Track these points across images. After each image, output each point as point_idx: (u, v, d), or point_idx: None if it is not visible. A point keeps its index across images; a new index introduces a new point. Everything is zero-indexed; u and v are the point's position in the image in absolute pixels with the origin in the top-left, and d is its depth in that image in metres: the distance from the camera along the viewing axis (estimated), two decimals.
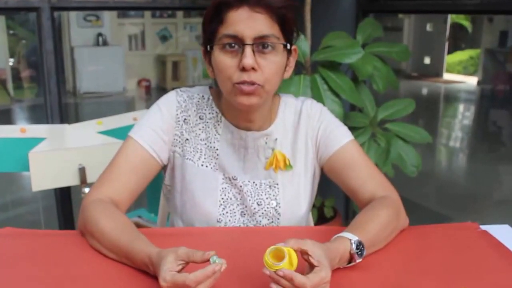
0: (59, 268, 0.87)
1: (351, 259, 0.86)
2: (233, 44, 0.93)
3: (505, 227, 1.07)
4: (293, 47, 1.00)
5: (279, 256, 0.75)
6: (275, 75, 0.96)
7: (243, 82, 0.93)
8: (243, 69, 0.92)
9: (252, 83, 0.93)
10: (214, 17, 0.94)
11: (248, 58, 0.91)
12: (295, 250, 0.77)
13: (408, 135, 1.97)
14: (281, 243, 0.77)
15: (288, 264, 0.75)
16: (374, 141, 1.95)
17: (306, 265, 0.79)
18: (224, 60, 0.94)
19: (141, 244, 0.85)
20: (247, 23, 0.91)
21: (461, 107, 7.54)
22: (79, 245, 0.96)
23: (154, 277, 0.81)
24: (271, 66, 0.94)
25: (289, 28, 0.98)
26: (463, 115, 6.94)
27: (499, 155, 4.85)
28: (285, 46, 0.96)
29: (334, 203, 2.28)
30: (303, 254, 0.78)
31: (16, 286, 0.81)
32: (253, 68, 0.92)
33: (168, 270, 0.75)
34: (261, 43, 0.93)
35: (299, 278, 0.73)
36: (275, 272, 0.74)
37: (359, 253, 0.85)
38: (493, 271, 0.88)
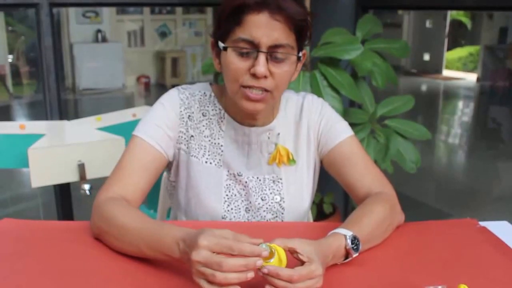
0: (58, 259, 0.87)
1: (347, 254, 0.86)
2: (248, 50, 0.92)
3: (504, 223, 1.07)
4: (302, 52, 1.00)
5: (269, 256, 0.74)
6: (284, 83, 0.97)
7: (252, 87, 0.94)
8: (254, 75, 0.92)
9: (261, 89, 0.94)
10: (232, 16, 0.93)
11: (261, 67, 0.91)
12: (283, 249, 0.76)
13: (407, 132, 1.97)
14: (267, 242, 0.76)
15: (277, 261, 0.74)
16: (373, 137, 1.95)
17: (298, 263, 0.78)
18: (236, 62, 0.94)
19: (167, 230, 0.82)
20: (265, 29, 0.91)
21: (460, 104, 7.54)
22: (78, 236, 0.96)
23: (156, 272, 0.82)
24: (282, 74, 0.95)
25: (304, 37, 0.97)
26: (463, 112, 6.95)
27: (498, 151, 4.85)
28: (298, 57, 0.97)
29: (333, 199, 2.29)
30: (292, 253, 0.78)
31: (15, 277, 0.81)
32: (264, 76, 0.93)
33: (207, 245, 0.71)
34: (275, 53, 0.92)
35: (284, 271, 0.72)
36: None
37: (355, 247, 0.85)
38: (492, 267, 0.88)
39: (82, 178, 1.72)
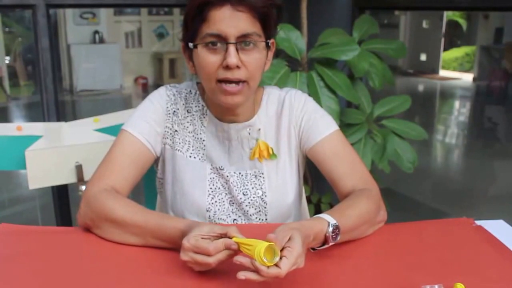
0: (56, 265, 0.87)
1: (325, 241, 0.87)
2: (216, 43, 0.94)
3: (500, 222, 1.08)
4: (271, 41, 1.02)
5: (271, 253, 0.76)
6: (258, 70, 0.99)
7: (227, 79, 0.95)
8: (227, 67, 0.94)
9: (237, 80, 0.95)
10: (197, 15, 0.95)
11: (233, 57, 0.93)
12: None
13: (404, 132, 1.98)
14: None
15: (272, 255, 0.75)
16: (370, 138, 1.96)
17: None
18: (208, 57, 0.96)
19: (172, 221, 0.90)
20: (230, 22, 0.93)
21: (456, 104, 7.57)
22: (76, 241, 0.96)
23: (156, 275, 0.82)
24: (254, 62, 0.96)
25: (269, 25, 0.99)
26: (459, 112, 6.97)
27: (494, 150, 4.87)
28: (266, 43, 0.99)
29: (331, 199, 2.29)
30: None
31: (12, 282, 0.81)
32: (237, 66, 0.94)
33: (195, 235, 0.80)
34: (243, 41, 0.94)
35: (272, 271, 0.73)
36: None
37: (334, 236, 0.86)
38: (488, 266, 0.89)
39: (80, 179, 1.71)
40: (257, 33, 0.96)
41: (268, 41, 0.99)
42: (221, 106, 1.02)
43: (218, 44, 0.94)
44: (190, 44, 0.98)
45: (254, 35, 0.95)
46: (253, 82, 0.99)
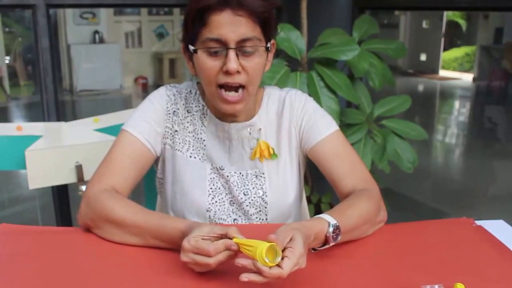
0: (56, 265, 0.87)
1: (325, 241, 0.87)
2: (217, 51, 0.94)
3: (500, 222, 1.08)
4: (271, 42, 1.02)
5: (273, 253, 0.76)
6: (257, 75, 0.99)
7: (227, 84, 0.96)
8: (227, 72, 0.94)
9: (237, 85, 0.96)
10: (197, 19, 0.95)
11: (233, 63, 0.93)
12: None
13: (404, 132, 1.98)
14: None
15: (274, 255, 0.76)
16: (370, 138, 1.96)
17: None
18: (208, 62, 0.96)
19: (172, 221, 0.90)
20: (230, 26, 0.93)
21: (456, 104, 7.57)
22: (76, 241, 0.96)
23: (156, 277, 0.83)
24: (254, 67, 0.97)
25: (270, 28, 0.99)
26: (459, 112, 6.97)
27: (494, 151, 4.87)
28: (266, 48, 0.99)
29: (331, 199, 2.29)
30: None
31: (12, 282, 0.81)
32: (237, 71, 0.94)
33: (196, 236, 0.80)
34: (244, 47, 0.94)
35: (274, 271, 0.74)
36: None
37: (334, 237, 0.87)
38: (488, 266, 0.89)
39: (80, 179, 1.71)
40: (257, 37, 0.96)
41: (268, 45, 0.99)
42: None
43: (219, 50, 0.94)
44: (191, 48, 0.98)
45: (254, 39, 0.95)
46: (252, 86, 0.99)
